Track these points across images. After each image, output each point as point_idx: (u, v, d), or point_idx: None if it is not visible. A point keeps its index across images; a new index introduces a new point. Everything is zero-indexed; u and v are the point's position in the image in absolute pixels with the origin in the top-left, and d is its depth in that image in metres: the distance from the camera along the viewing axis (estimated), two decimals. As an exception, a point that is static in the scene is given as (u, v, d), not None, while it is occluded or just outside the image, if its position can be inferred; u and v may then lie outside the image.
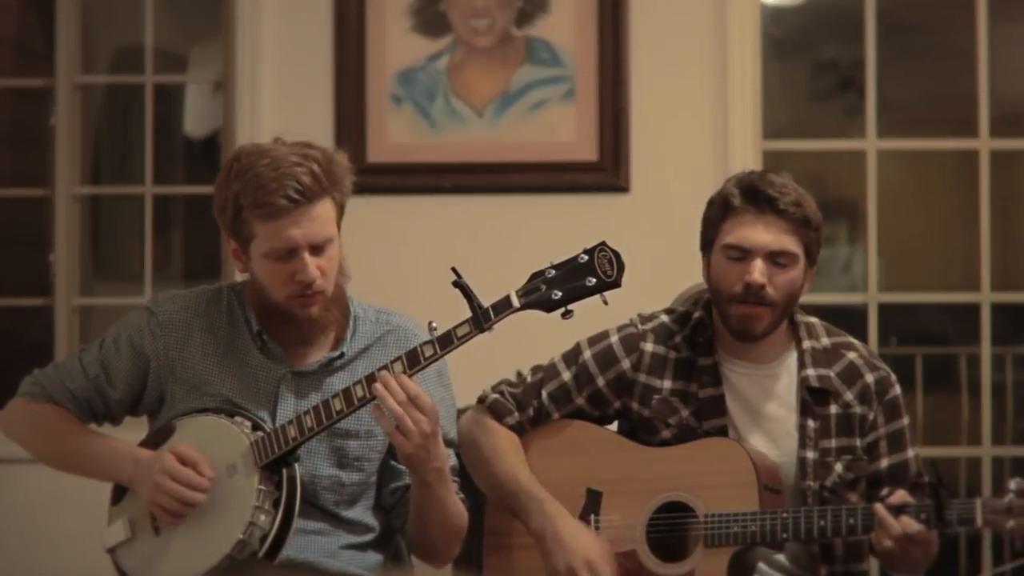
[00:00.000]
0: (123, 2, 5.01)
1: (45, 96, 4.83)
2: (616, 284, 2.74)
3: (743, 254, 2.95)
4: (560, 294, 2.72)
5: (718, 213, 3.00)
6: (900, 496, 2.84)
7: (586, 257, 2.74)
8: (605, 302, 2.74)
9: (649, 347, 3.07)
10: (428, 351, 2.76)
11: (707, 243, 3.03)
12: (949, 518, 2.77)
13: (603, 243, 2.75)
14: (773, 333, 3.01)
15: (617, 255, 2.75)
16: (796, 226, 2.95)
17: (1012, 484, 2.74)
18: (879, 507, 2.81)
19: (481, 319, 2.73)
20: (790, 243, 2.95)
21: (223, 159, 4.60)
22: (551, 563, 2.94)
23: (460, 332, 2.74)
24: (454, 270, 2.73)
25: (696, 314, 3.08)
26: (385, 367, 2.77)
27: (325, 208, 2.84)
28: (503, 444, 3.06)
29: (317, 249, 2.84)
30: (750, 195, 2.96)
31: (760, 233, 2.94)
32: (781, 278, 2.95)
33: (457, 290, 2.74)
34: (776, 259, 2.94)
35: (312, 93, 4.58)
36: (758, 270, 2.93)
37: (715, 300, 3.01)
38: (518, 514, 3.01)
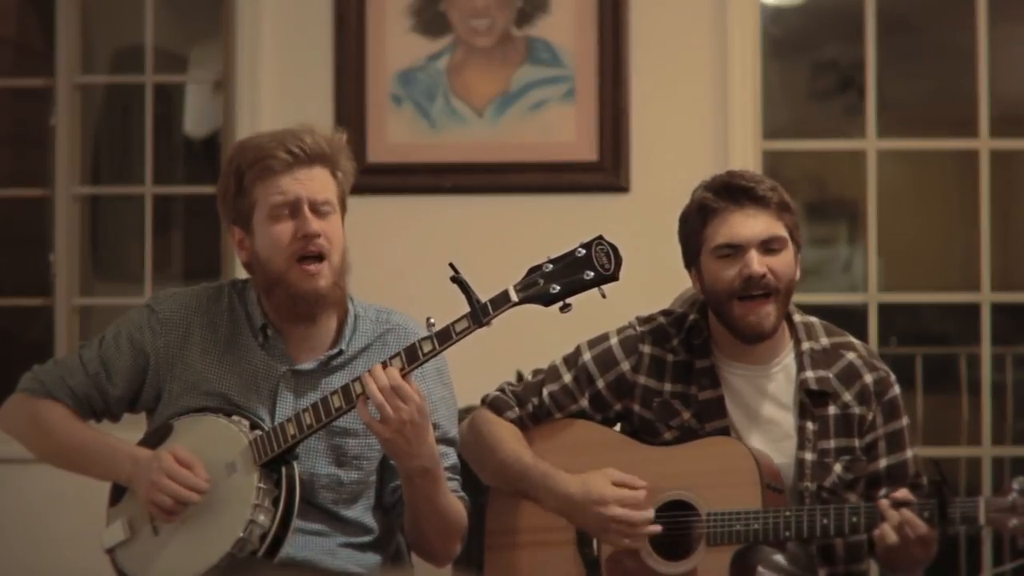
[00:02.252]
0: (123, 2, 5.01)
1: (45, 96, 4.83)
2: (614, 277, 2.74)
3: (735, 250, 2.95)
4: (558, 288, 2.72)
5: (697, 221, 2.99)
6: (903, 494, 2.84)
7: (583, 251, 2.74)
8: (603, 295, 2.74)
9: (647, 349, 3.06)
10: (427, 347, 2.75)
11: (692, 255, 3.03)
12: (952, 516, 2.77)
13: (600, 237, 2.75)
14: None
15: (614, 248, 2.75)
16: (778, 210, 2.96)
17: (1015, 483, 2.74)
18: (882, 501, 2.81)
19: (479, 313, 2.72)
20: (778, 227, 2.96)
21: (223, 159, 4.63)
22: (589, 526, 2.95)
23: (459, 327, 2.74)
24: (452, 266, 2.73)
25: (691, 317, 3.08)
26: (384, 363, 2.77)
27: (324, 175, 2.89)
28: (504, 432, 3.06)
29: (317, 209, 2.86)
30: (726, 192, 2.97)
31: (748, 226, 2.95)
32: (777, 263, 2.95)
33: (456, 287, 2.74)
34: (768, 246, 2.95)
35: (312, 93, 4.58)
36: (756, 261, 2.93)
37: (716, 304, 2.99)
38: (529, 495, 3.01)
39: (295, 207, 2.85)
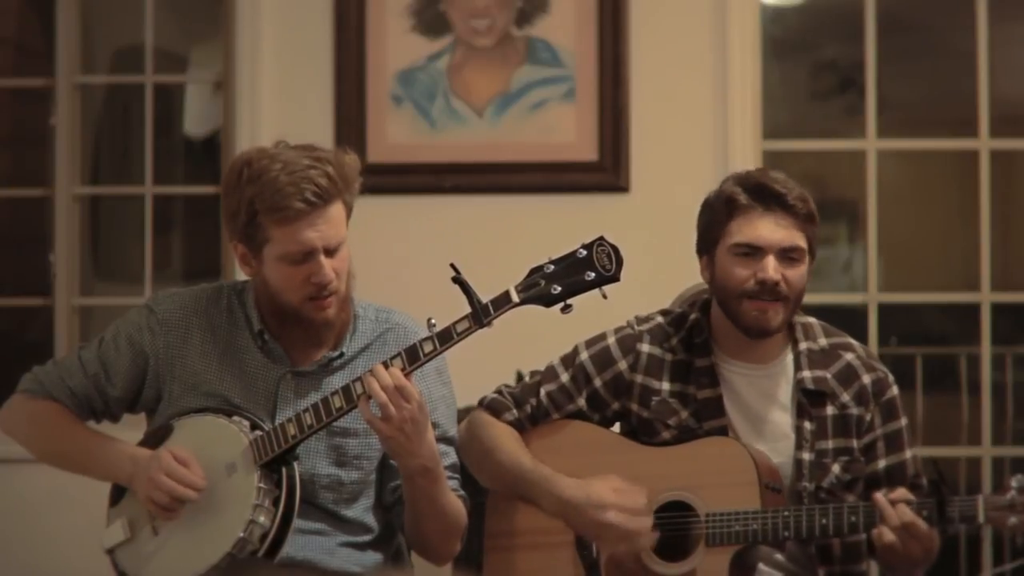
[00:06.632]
0: (123, 2, 5.01)
1: (45, 96, 4.83)
2: (615, 278, 2.74)
3: (754, 251, 2.95)
4: (559, 288, 2.72)
5: (723, 212, 2.98)
6: (901, 494, 2.84)
7: (584, 252, 2.74)
8: (604, 296, 2.74)
9: (646, 348, 3.06)
10: (428, 347, 2.76)
11: (709, 244, 3.02)
12: (951, 515, 2.77)
13: (601, 237, 2.76)
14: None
15: (615, 249, 2.75)
16: (803, 222, 2.96)
17: (1014, 481, 2.75)
18: (879, 497, 2.81)
19: (480, 314, 2.73)
20: (799, 239, 2.96)
21: (223, 159, 4.63)
22: (587, 531, 2.94)
23: (459, 328, 2.74)
24: (452, 266, 2.73)
25: (692, 315, 3.08)
26: (384, 363, 2.77)
27: (338, 210, 2.85)
28: (502, 434, 3.06)
29: (331, 251, 2.85)
30: (757, 192, 2.96)
31: (771, 230, 2.94)
32: (792, 273, 2.95)
33: (457, 288, 2.74)
34: (787, 254, 2.95)
35: (312, 93, 4.58)
36: (772, 267, 2.93)
37: (723, 299, 3.00)
38: (527, 497, 3.00)
39: (310, 254, 2.84)
